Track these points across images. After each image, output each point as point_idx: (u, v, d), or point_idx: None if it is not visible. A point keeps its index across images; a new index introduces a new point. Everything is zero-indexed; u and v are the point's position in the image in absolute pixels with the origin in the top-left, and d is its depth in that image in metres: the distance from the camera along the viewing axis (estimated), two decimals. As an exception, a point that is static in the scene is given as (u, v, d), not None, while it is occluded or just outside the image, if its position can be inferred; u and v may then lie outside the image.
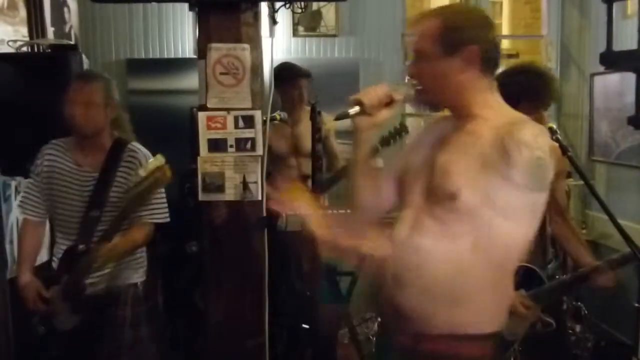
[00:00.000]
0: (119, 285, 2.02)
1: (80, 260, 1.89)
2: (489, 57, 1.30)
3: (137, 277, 2.08)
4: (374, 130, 1.38)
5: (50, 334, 1.95)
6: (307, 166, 2.74)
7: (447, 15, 1.33)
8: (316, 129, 2.42)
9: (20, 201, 2.13)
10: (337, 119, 1.34)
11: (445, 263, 1.25)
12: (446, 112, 1.42)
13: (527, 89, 1.94)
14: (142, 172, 1.75)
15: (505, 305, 1.36)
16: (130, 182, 1.94)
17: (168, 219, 2.07)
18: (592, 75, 3.49)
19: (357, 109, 1.32)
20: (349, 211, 2.60)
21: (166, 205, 2.06)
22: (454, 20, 1.31)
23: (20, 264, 2.04)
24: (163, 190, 2.00)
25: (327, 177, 3.04)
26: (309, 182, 2.84)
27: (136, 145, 2.05)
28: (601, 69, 2.53)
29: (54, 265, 2.03)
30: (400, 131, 2.92)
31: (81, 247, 1.90)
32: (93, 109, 1.94)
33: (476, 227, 1.22)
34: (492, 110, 1.31)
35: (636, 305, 2.42)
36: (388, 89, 1.34)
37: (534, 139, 1.20)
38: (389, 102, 1.34)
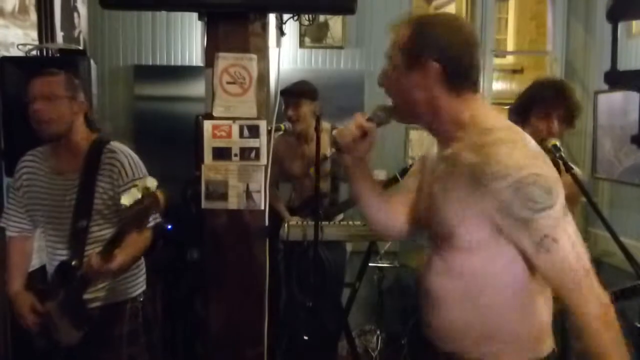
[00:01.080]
0: (117, 302, 1.95)
1: (75, 276, 1.78)
2: (457, 75, 1.16)
3: (136, 289, 2.02)
4: (360, 164, 1.36)
5: (50, 346, 1.87)
6: (324, 186, 2.70)
7: (415, 24, 1.18)
8: (319, 139, 2.43)
9: (3, 219, 2.01)
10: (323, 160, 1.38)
11: (457, 303, 1.20)
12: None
13: (537, 97, 1.96)
14: (126, 201, 1.58)
15: (543, 327, 1.25)
16: (115, 186, 1.85)
17: (160, 219, 1.98)
18: (596, 92, 3.50)
19: (333, 150, 1.37)
20: (357, 223, 2.62)
21: None
22: (419, 32, 1.17)
23: (9, 280, 1.96)
24: None
25: (341, 202, 3.01)
26: (325, 201, 2.84)
27: (116, 145, 1.92)
28: (605, 86, 2.54)
29: (49, 275, 1.96)
30: (397, 180, 2.80)
31: (74, 263, 1.79)
32: (54, 102, 1.81)
33: (480, 264, 1.16)
34: (466, 129, 1.18)
35: (637, 325, 2.40)
36: (360, 121, 1.30)
37: (508, 160, 1.08)
38: (364, 134, 1.30)
